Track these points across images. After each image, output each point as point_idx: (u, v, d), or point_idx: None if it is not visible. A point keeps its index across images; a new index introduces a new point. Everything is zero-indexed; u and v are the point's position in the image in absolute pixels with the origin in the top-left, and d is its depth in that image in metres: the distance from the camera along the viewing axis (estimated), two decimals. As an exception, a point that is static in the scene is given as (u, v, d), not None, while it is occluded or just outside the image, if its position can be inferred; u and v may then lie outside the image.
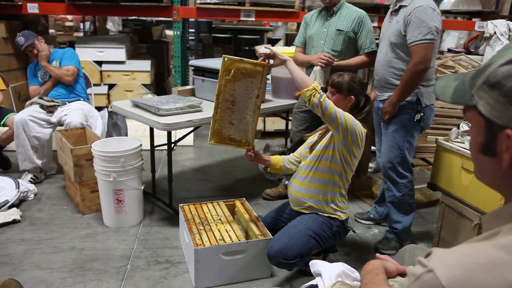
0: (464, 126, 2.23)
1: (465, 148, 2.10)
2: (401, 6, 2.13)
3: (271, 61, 1.94)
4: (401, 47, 2.12)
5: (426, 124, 2.24)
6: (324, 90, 2.43)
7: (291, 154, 2.18)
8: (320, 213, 1.99)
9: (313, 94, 1.74)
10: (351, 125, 1.81)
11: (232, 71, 1.86)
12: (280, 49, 3.24)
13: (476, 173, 0.78)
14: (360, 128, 1.85)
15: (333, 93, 1.97)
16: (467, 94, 0.71)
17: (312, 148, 2.02)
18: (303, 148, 2.14)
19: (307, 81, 1.78)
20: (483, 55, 4.10)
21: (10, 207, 2.59)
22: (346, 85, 1.94)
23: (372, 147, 3.09)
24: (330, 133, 1.94)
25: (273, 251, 1.88)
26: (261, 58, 1.92)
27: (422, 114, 2.15)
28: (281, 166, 2.10)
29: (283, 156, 2.15)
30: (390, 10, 2.23)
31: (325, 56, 2.44)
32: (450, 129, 2.30)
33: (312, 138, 2.10)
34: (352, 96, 1.95)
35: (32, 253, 2.19)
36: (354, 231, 2.16)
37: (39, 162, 3.03)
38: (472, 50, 4.44)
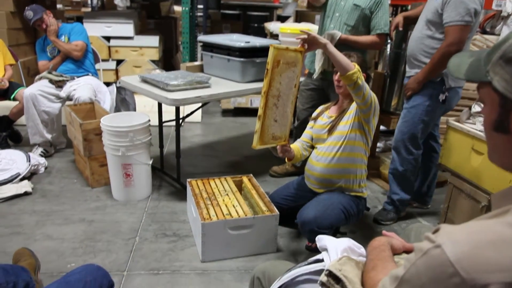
0: (475, 107, 2.19)
1: (476, 129, 2.07)
2: None
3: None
4: (436, 25, 2.07)
5: (449, 105, 2.21)
6: (331, 72, 2.40)
7: (300, 140, 2.19)
8: (346, 192, 2.05)
9: (358, 76, 1.74)
10: (376, 100, 1.89)
11: (280, 62, 1.68)
12: (291, 26, 3.19)
13: (489, 153, 0.77)
14: (377, 101, 1.93)
15: None
16: (482, 70, 0.70)
17: (331, 129, 2.02)
18: (312, 132, 2.15)
19: (350, 64, 1.75)
20: (499, 35, 3.98)
21: (21, 180, 2.64)
22: (357, 65, 1.93)
23: (382, 127, 3.08)
24: (351, 112, 1.97)
25: (309, 218, 1.90)
26: (300, 43, 1.80)
27: (446, 94, 2.12)
28: (301, 155, 2.13)
29: (296, 143, 2.16)
30: None
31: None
32: (461, 110, 2.27)
33: (322, 120, 2.10)
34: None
35: (44, 224, 2.24)
36: (368, 209, 2.21)
37: (49, 136, 3.07)
38: (488, 29, 4.31)
